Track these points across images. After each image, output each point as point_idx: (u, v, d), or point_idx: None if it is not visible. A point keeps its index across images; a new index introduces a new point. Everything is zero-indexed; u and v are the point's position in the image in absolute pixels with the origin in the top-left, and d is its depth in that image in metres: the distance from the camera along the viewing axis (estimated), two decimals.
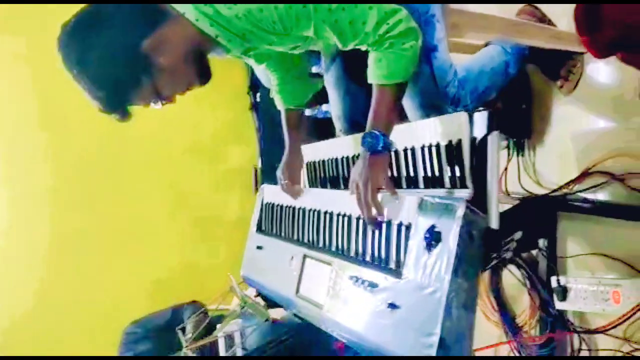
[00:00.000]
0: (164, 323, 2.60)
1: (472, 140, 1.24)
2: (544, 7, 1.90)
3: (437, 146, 1.34)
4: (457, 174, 1.29)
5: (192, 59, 1.24)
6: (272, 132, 3.17)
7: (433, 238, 1.12)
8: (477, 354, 1.87)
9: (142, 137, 3.30)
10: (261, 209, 2.04)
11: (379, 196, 1.31)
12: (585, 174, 1.81)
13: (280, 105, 1.81)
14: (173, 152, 3.42)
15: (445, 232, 1.10)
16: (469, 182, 1.23)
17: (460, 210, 1.09)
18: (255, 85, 3.18)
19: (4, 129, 3.10)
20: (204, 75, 1.29)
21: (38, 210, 3.16)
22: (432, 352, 1.04)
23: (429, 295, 1.08)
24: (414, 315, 1.11)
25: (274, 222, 1.91)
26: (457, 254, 1.07)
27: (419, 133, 1.40)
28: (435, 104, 1.51)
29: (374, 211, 1.30)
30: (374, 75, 1.31)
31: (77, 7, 1.18)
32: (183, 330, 1.95)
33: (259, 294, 1.92)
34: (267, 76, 2.39)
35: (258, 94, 3.17)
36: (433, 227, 1.13)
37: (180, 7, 1.20)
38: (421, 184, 1.42)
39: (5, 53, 3.06)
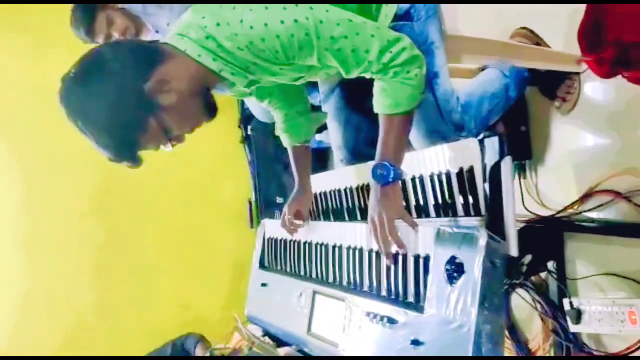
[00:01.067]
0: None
1: (484, 166, 1.22)
2: (538, 29, 1.90)
3: (448, 174, 1.32)
4: (471, 201, 1.26)
5: (198, 95, 1.21)
6: (265, 165, 3.15)
7: (455, 269, 1.09)
8: None
9: (132, 172, 3.25)
10: (263, 245, 2.00)
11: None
12: (589, 194, 1.79)
13: (287, 143, 1.74)
14: (165, 189, 3.36)
15: (467, 263, 1.07)
16: (483, 210, 1.20)
17: (483, 240, 1.06)
18: (246, 118, 3.16)
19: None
20: (210, 110, 1.26)
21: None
22: None
23: (456, 330, 1.04)
24: (441, 352, 1.06)
25: (279, 258, 1.87)
26: (482, 284, 1.04)
27: (427, 161, 1.38)
28: (439, 130, 1.50)
29: (393, 247, 1.27)
30: (381, 105, 1.29)
31: None
32: None
33: (266, 334, 1.86)
34: (262, 110, 2.39)
35: (249, 127, 3.15)
36: (454, 257, 1.10)
37: (181, 45, 1.18)
38: (432, 213, 1.39)
39: None
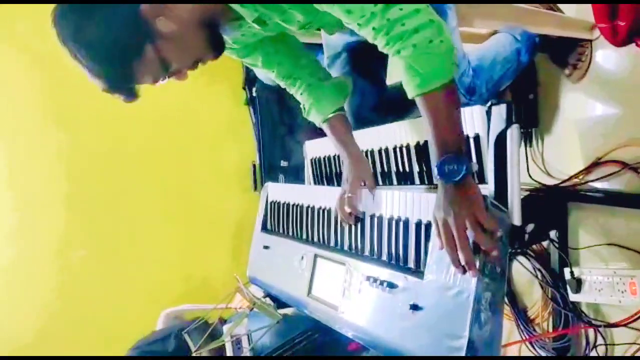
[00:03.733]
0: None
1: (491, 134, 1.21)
2: None
3: None
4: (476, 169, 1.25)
5: (202, 27, 1.13)
6: (269, 128, 3.13)
7: None
8: None
9: (135, 134, 3.24)
10: (266, 208, 2.00)
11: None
12: (596, 164, 1.77)
13: (320, 119, 1.54)
14: (169, 151, 3.34)
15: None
16: (488, 178, 1.19)
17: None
18: (251, 80, 3.12)
19: (11, 130, 3.03)
20: (215, 46, 1.18)
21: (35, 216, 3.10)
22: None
23: (455, 296, 1.05)
24: (440, 317, 1.07)
25: (281, 221, 1.87)
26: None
27: None
28: None
29: (471, 261, 1.04)
30: (412, 88, 1.10)
31: None
32: (189, 334, 1.89)
33: (267, 295, 1.88)
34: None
35: (254, 89, 3.12)
36: None
37: None
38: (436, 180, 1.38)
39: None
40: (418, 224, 1.22)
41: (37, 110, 3.05)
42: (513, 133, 1.17)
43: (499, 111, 1.20)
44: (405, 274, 1.20)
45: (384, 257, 1.31)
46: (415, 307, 1.13)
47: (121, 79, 1.10)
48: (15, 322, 2.98)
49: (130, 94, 1.13)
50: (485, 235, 1.03)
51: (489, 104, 1.24)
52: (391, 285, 1.22)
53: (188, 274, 3.35)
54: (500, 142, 1.18)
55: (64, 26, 1.06)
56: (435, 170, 1.09)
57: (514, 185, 1.15)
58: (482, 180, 1.24)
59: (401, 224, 1.27)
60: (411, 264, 1.22)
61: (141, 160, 3.28)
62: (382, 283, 1.25)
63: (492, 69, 1.57)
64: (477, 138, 1.25)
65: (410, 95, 1.12)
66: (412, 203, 1.26)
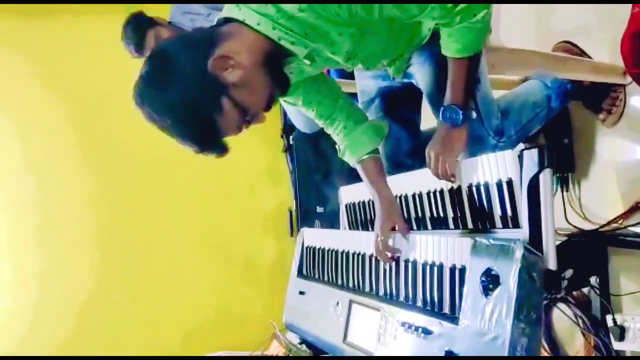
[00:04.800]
0: None
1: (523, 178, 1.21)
2: (581, 44, 1.88)
3: (486, 185, 1.31)
4: (509, 213, 1.26)
5: (264, 67, 1.18)
6: (305, 174, 3.17)
7: (490, 281, 1.09)
8: None
9: (177, 181, 3.33)
10: (302, 253, 2.02)
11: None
12: (635, 208, 1.75)
13: (354, 160, 1.59)
14: (208, 196, 3.43)
15: (503, 275, 1.06)
16: (523, 222, 1.20)
17: (519, 252, 1.05)
18: (288, 128, 3.21)
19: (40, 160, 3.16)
20: (280, 82, 1.24)
21: (70, 252, 3.18)
22: None
23: (490, 341, 1.04)
24: None
25: (317, 266, 1.88)
26: (518, 296, 1.03)
27: (465, 173, 1.38)
28: (478, 135, 1.49)
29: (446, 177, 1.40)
30: (449, 50, 1.31)
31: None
32: None
33: (303, 341, 1.88)
34: (303, 121, 2.42)
35: (291, 137, 3.19)
36: (489, 269, 1.10)
37: (239, 15, 1.17)
38: (470, 225, 1.39)
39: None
40: (452, 269, 1.22)
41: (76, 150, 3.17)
42: (546, 177, 1.17)
43: (531, 156, 1.21)
44: (440, 319, 1.20)
45: (419, 303, 1.31)
46: (450, 353, 1.12)
47: (209, 137, 1.17)
48: None
49: (222, 149, 1.20)
50: (448, 172, 1.39)
51: (521, 148, 1.25)
52: (426, 331, 1.22)
53: (225, 319, 3.37)
54: (534, 187, 1.19)
55: (146, 105, 1.14)
56: (440, 113, 1.37)
57: (549, 229, 1.15)
58: (517, 224, 1.24)
59: (435, 269, 1.27)
60: (446, 309, 1.22)
61: (181, 205, 3.37)
62: (417, 329, 1.24)
63: (521, 113, 1.58)
64: (510, 183, 1.25)
65: (444, 53, 1.33)
66: (446, 248, 1.27)
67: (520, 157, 1.23)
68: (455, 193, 1.43)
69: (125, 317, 3.22)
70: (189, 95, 1.12)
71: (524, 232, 1.19)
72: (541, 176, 1.18)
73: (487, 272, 1.10)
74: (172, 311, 3.31)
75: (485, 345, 1.05)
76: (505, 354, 1.00)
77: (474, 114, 1.38)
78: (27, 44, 3.13)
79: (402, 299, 1.39)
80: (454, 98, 1.35)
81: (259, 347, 2.04)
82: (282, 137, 3.33)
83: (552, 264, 1.13)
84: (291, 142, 3.20)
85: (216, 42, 1.15)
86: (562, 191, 1.99)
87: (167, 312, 3.30)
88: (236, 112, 1.16)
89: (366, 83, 1.75)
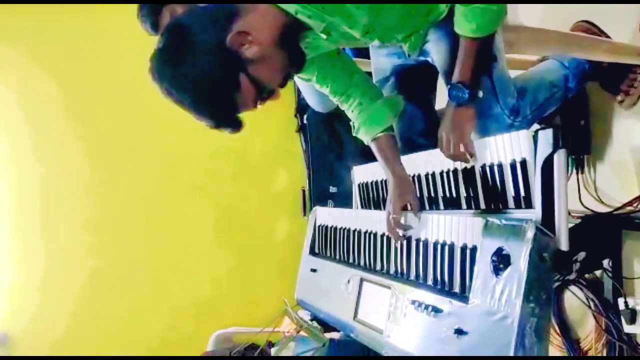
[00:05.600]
0: None
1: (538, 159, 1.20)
2: (600, 23, 1.84)
3: (500, 166, 1.31)
4: (522, 194, 1.25)
5: (281, 43, 1.19)
6: (319, 154, 3.18)
7: (501, 261, 1.09)
8: None
9: (190, 159, 3.35)
10: (314, 232, 2.03)
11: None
12: None
13: (368, 137, 1.59)
14: (221, 174, 3.44)
15: (514, 255, 1.06)
16: (535, 203, 1.19)
17: (530, 232, 1.05)
18: (302, 108, 3.20)
19: (44, 156, 3.18)
20: (296, 58, 1.25)
21: (74, 240, 3.22)
22: None
23: (500, 321, 1.04)
24: (484, 342, 1.07)
25: (328, 245, 1.90)
26: (528, 277, 1.03)
27: (479, 151, 1.38)
28: (493, 114, 1.47)
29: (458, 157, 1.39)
30: (463, 29, 1.30)
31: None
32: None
33: (314, 318, 1.90)
34: (316, 99, 2.41)
35: (305, 117, 3.19)
36: (500, 249, 1.10)
37: None
38: (483, 204, 1.39)
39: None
40: (463, 249, 1.22)
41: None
42: (560, 158, 1.16)
43: (546, 136, 1.20)
44: (450, 298, 1.20)
45: (430, 282, 1.32)
46: (459, 332, 1.13)
47: (226, 112, 1.18)
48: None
49: (237, 125, 1.21)
50: (459, 152, 1.38)
51: (536, 128, 1.24)
52: (436, 310, 1.22)
53: (238, 296, 3.40)
54: (548, 167, 1.18)
55: (162, 79, 1.14)
56: (447, 91, 1.37)
57: (561, 210, 1.14)
58: (529, 205, 1.24)
59: (446, 248, 1.28)
60: (456, 288, 1.22)
61: (195, 183, 3.39)
62: (427, 307, 1.25)
63: (537, 92, 1.56)
64: (523, 163, 1.24)
65: (457, 30, 1.31)
66: (457, 227, 1.27)
67: (535, 137, 1.22)
68: (469, 173, 1.42)
69: (142, 293, 3.27)
70: (206, 71, 1.12)
71: (536, 212, 1.18)
72: (555, 157, 1.17)
73: (498, 252, 1.10)
74: (188, 289, 3.35)
75: (494, 324, 1.05)
76: (514, 334, 1.00)
77: (481, 93, 1.36)
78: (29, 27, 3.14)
79: (412, 277, 1.39)
80: (461, 76, 1.33)
81: (271, 324, 2.05)
82: (295, 116, 3.33)
83: (563, 245, 1.12)
84: (305, 121, 3.20)
85: (234, 17, 1.15)
86: (577, 173, 1.97)
87: (181, 289, 3.34)
88: (253, 88, 1.17)
89: (381, 61, 1.73)
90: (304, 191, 3.35)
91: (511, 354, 1.00)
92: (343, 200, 2.98)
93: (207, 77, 1.12)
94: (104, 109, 3.20)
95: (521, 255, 1.04)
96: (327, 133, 3.12)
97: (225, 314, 3.27)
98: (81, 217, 3.19)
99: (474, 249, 1.19)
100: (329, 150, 3.15)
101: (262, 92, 1.20)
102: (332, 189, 3.13)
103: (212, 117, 1.17)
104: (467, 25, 1.27)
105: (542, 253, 1.06)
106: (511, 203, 1.29)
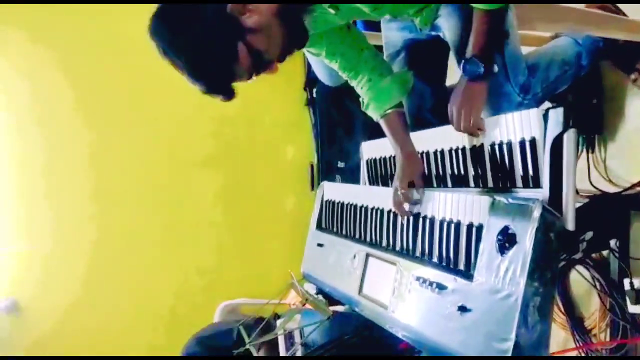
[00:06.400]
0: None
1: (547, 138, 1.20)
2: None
3: (509, 144, 1.30)
4: (530, 173, 1.25)
5: (282, 15, 1.16)
6: (328, 129, 3.17)
7: (506, 240, 1.09)
8: None
9: (198, 132, 3.35)
10: (321, 206, 2.03)
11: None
12: None
13: (377, 114, 1.59)
14: (229, 148, 3.44)
15: (520, 234, 1.06)
16: (543, 182, 1.19)
17: (537, 211, 1.05)
18: (311, 81, 3.18)
19: (47, 127, 3.18)
20: (297, 33, 1.22)
21: (81, 209, 3.22)
22: None
23: (503, 299, 1.05)
24: (487, 320, 1.07)
25: (335, 220, 1.90)
26: (533, 256, 1.03)
27: (488, 130, 1.37)
28: (504, 91, 1.46)
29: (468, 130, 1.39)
30: (483, 4, 1.28)
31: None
32: (244, 328, 1.95)
33: (319, 292, 1.92)
34: (326, 73, 2.39)
35: (314, 90, 3.17)
36: (507, 228, 1.10)
37: None
38: (490, 183, 1.38)
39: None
40: (469, 226, 1.22)
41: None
42: (570, 137, 1.15)
43: (556, 115, 1.19)
44: (454, 275, 1.20)
45: (435, 259, 1.32)
46: (463, 309, 1.14)
47: (220, 79, 1.16)
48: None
49: (229, 93, 1.18)
50: (470, 126, 1.37)
51: (546, 107, 1.23)
52: (440, 287, 1.23)
53: (245, 268, 3.43)
54: (557, 147, 1.17)
55: (160, 38, 1.12)
56: (461, 66, 1.36)
57: (569, 190, 1.14)
58: (537, 184, 1.23)
59: (452, 226, 1.28)
60: (461, 266, 1.23)
61: (204, 157, 3.39)
62: (431, 284, 1.26)
63: (549, 69, 1.54)
64: (533, 142, 1.24)
65: (472, 4, 1.29)
66: (464, 205, 1.26)
67: (546, 115, 1.21)
68: (477, 151, 1.41)
69: (151, 263, 3.30)
70: (205, 36, 1.10)
71: (544, 192, 1.18)
72: (565, 136, 1.16)
73: (504, 231, 1.10)
74: (197, 259, 3.38)
75: (498, 302, 1.06)
76: (517, 312, 1.01)
77: (496, 68, 1.35)
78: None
79: (418, 254, 1.40)
80: (476, 51, 1.31)
81: (277, 296, 2.07)
82: (305, 90, 3.31)
83: (570, 225, 1.12)
84: (314, 95, 3.18)
85: None
86: (588, 153, 1.96)
87: (189, 260, 3.37)
88: (250, 58, 1.14)
89: (392, 35, 1.71)
90: (312, 166, 3.35)
91: (514, 332, 1.00)
92: (350, 175, 2.98)
93: (205, 42, 1.10)
94: (111, 78, 3.18)
95: (527, 235, 1.04)
96: (336, 107, 3.11)
97: (233, 285, 3.30)
98: (87, 186, 3.20)
99: (480, 227, 1.19)
100: (337, 124, 3.14)
101: (259, 63, 1.17)
102: (340, 164, 3.13)
103: (205, 82, 1.15)
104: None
105: (549, 232, 1.06)
106: (519, 182, 1.29)
